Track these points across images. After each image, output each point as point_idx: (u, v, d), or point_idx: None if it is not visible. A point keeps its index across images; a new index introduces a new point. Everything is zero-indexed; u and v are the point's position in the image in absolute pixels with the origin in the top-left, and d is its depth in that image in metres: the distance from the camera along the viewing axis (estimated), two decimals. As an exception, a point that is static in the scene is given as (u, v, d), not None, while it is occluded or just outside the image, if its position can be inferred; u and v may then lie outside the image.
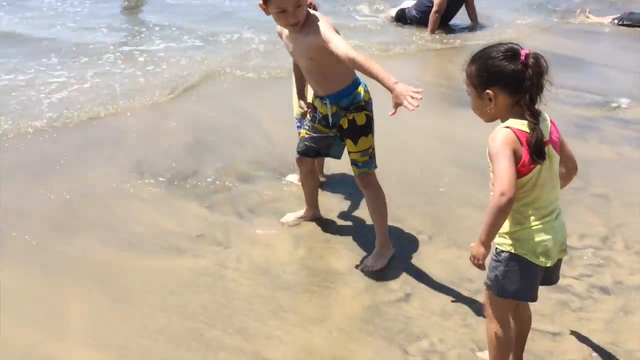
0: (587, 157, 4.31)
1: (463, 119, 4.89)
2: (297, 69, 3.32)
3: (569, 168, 2.22)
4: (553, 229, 2.07)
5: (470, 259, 2.07)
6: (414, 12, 7.92)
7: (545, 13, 8.74)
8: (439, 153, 4.44)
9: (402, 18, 8.05)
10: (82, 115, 5.01)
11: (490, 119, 2.10)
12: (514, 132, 1.98)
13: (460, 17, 8.06)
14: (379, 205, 3.11)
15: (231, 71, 6.06)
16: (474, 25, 7.95)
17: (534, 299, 2.17)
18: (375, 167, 3.09)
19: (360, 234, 3.38)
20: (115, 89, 5.59)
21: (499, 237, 2.08)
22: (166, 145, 4.51)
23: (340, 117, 3.05)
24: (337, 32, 2.86)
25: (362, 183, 3.11)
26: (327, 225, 3.48)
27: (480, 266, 2.06)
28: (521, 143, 1.96)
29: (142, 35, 7.41)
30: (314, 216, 3.50)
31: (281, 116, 4.46)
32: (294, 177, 3.95)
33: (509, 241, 2.07)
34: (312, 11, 2.92)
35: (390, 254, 3.13)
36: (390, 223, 3.21)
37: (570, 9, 8.76)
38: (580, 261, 3.17)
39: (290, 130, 4.00)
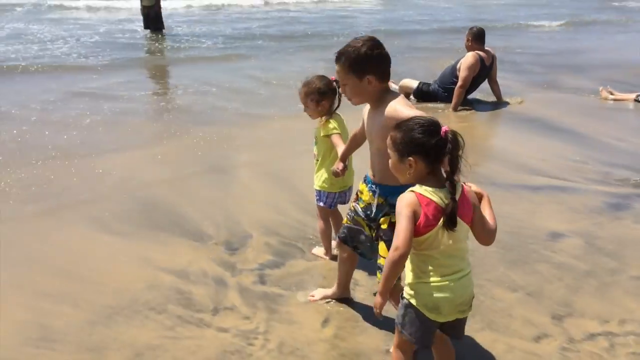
0: (622, 237, 4.21)
1: (497, 199, 4.84)
2: (353, 140, 3.25)
3: (484, 239, 2.41)
4: (450, 289, 2.26)
5: (374, 307, 2.33)
6: (437, 88, 8.00)
7: (567, 89, 8.82)
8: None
9: (425, 94, 8.06)
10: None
11: (407, 181, 2.33)
12: (416, 195, 2.23)
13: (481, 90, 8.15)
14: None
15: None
16: (499, 102, 8.01)
17: (425, 345, 2.42)
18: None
19: (391, 312, 3.24)
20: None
21: (405, 285, 2.36)
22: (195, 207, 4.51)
23: (381, 213, 2.88)
24: None
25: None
26: (355, 302, 3.36)
27: (378, 314, 2.32)
28: (420, 206, 2.21)
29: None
30: (343, 296, 3.38)
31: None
32: (319, 251, 3.87)
33: (408, 289, 2.31)
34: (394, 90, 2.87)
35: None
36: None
37: (593, 87, 8.83)
38: (623, 349, 3.01)
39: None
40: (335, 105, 3.62)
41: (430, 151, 2.22)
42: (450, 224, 2.21)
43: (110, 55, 11.26)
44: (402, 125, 2.31)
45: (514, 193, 4.92)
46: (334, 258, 3.77)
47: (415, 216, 2.21)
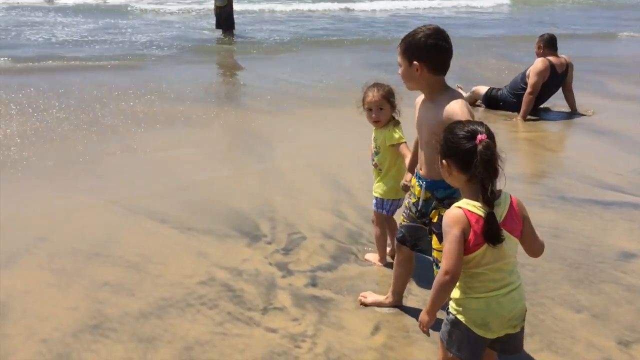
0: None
1: (566, 214, 4.63)
2: (416, 145, 3.15)
3: (534, 251, 2.30)
4: (498, 304, 2.18)
5: (419, 325, 2.28)
6: (506, 94, 7.76)
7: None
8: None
9: (493, 100, 7.88)
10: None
11: (452, 185, 2.32)
12: (464, 212, 2.14)
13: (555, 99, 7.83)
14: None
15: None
16: (573, 112, 7.67)
17: None
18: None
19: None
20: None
21: (450, 299, 2.28)
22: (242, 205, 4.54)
23: (430, 207, 2.88)
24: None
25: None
26: (407, 311, 3.27)
27: (425, 332, 2.27)
28: (470, 224, 2.12)
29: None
30: (395, 304, 3.30)
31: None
32: (373, 257, 3.81)
33: (455, 305, 2.25)
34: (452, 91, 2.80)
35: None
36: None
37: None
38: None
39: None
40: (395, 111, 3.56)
41: (462, 157, 2.16)
42: (491, 240, 2.12)
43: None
44: (447, 127, 2.29)
45: (584, 208, 4.67)
46: (387, 265, 3.70)
47: (464, 235, 2.13)
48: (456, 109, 2.67)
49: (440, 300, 2.19)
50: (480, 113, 7.86)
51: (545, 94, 7.50)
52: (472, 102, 8.10)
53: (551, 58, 7.34)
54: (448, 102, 2.72)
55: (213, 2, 14.34)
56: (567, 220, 4.42)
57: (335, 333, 3.08)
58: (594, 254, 3.94)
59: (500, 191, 2.20)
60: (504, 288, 2.20)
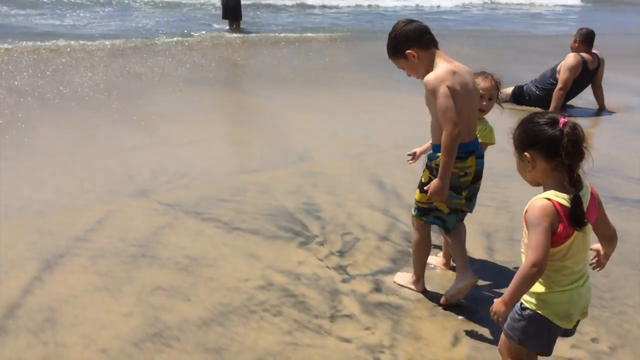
0: None
1: (624, 216, 4.48)
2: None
3: (609, 235, 2.28)
4: (579, 294, 2.17)
5: (491, 314, 2.18)
6: (533, 89, 7.61)
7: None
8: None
9: (519, 96, 7.75)
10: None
11: (532, 182, 2.21)
12: (554, 204, 2.06)
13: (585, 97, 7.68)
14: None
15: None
16: (601, 109, 7.53)
17: (549, 354, 2.30)
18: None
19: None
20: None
21: (528, 294, 2.19)
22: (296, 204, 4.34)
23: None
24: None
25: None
26: (480, 318, 3.10)
27: (500, 322, 2.19)
28: (559, 217, 2.05)
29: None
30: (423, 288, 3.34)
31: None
32: (437, 260, 3.63)
33: (534, 300, 2.17)
34: (441, 62, 2.95)
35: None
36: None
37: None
38: None
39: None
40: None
41: (548, 143, 2.07)
42: (577, 223, 2.08)
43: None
44: (521, 121, 2.21)
45: (641, 209, 4.53)
46: (452, 268, 3.53)
47: (552, 228, 2.06)
48: (429, 75, 2.89)
49: (523, 292, 2.13)
50: (506, 111, 7.69)
51: (574, 90, 7.35)
52: (503, 100, 7.93)
53: (584, 54, 7.18)
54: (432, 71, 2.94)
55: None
56: (626, 222, 4.27)
57: (414, 344, 2.90)
58: (663, 258, 3.79)
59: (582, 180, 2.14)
60: (581, 279, 2.19)
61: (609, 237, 2.29)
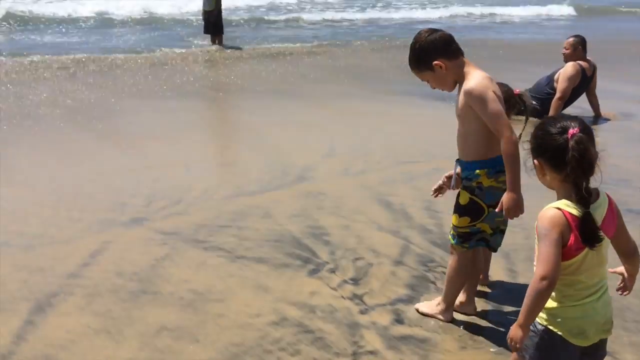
0: None
1: None
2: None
3: (629, 251, 2.14)
4: (594, 310, 2.05)
5: (508, 341, 2.03)
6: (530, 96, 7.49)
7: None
8: None
9: (513, 104, 7.63)
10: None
11: (547, 186, 2.09)
12: (564, 214, 1.95)
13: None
14: (451, 272, 3.05)
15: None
16: (597, 117, 7.44)
17: None
18: (459, 244, 2.96)
19: None
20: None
21: None
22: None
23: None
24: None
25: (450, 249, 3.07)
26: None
27: (517, 349, 2.04)
28: (570, 227, 1.94)
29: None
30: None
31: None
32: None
33: (545, 315, 2.05)
34: (473, 70, 2.81)
35: (438, 315, 3.10)
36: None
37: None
38: None
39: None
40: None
41: (554, 155, 1.97)
42: (589, 241, 1.95)
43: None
44: (538, 124, 2.10)
45: (658, 222, 4.37)
46: (479, 294, 3.32)
47: (562, 239, 1.95)
48: (470, 83, 2.72)
49: (537, 311, 1.99)
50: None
51: (571, 98, 7.24)
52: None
53: (581, 62, 7.08)
54: (466, 82, 2.76)
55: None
56: (646, 236, 4.11)
57: (446, 377, 2.69)
58: (692, 274, 3.62)
59: (598, 191, 2.01)
60: (597, 293, 2.06)
61: (629, 253, 2.15)
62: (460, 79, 2.79)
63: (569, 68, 7.05)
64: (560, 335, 2.04)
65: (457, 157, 3.02)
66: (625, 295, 2.25)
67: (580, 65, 7.06)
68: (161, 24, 16.72)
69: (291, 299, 3.34)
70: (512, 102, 3.24)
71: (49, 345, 2.91)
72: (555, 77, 7.17)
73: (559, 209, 1.97)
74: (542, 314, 2.05)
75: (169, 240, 4.04)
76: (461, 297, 3.11)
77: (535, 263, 2.06)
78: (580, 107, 7.62)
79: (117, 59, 11.27)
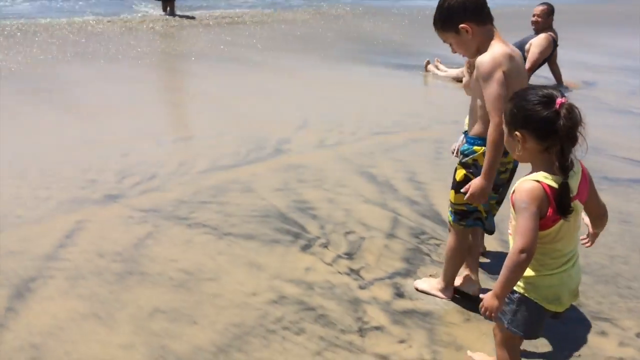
0: None
1: (620, 196, 4.41)
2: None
3: (600, 214, 2.22)
4: (569, 277, 2.11)
5: (481, 310, 2.07)
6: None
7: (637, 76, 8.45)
8: None
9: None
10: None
11: (519, 159, 2.12)
12: (543, 187, 1.97)
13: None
14: (449, 251, 2.98)
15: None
16: (559, 85, 7.56)
17: (536, 337, 2.32)
18: (456, 222, 2.88)
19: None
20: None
21: None
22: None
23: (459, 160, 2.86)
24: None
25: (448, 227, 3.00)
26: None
27: (491, 318, 2.08)
28: (549, 199, 1.96)
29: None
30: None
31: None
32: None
33: (522, 284, 2.10)
34: (497, 43, 2.61)
35: (439, 293, 3.04)
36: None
37: None
38: None
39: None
40: None
41: (539, 125, 1.96)
42: (562, 212, 1.97)
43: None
44: (515, 95, 2.08)
45: (635, 189, 4.48)
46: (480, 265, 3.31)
47: (540, 212, 1.97)
48: (484, 56, 2.55)
49: (514, 281, 2.02)
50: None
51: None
52: (460, 80, 7.84)
53: (551, 33, 7.12)
54: (482, 54, 2.59)
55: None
56: (626, 203, 4.21)
57: (456, 355, 2.65)
58: (675, 239, 3.74)
59: (572, 159, 2.01)
60: (570, 260, 2.11)
61: (599, 215, 2.23)
62: (482, 47, 2.62)
63: (543, 40, 7.06)
64: (536, 303, 2.11)
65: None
66: (587, 247, 2.36)
67: (552, 37, 7.11)
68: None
69: (287, 276, 3.23)
70: None
71: (35, 333, 2.72)
72: (527, 46, 7.18)
73: (537, 181, 1.98)
74: (519, 283, 2.10)
75: (148, 218, 3.85)
76: (463, 274, 3.08)
77: (510, 231, 2.11)
78: (543, 76, 7.74)
79: (62, 25, 10.68)
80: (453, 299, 3.06)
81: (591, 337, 2.79)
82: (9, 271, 3.21)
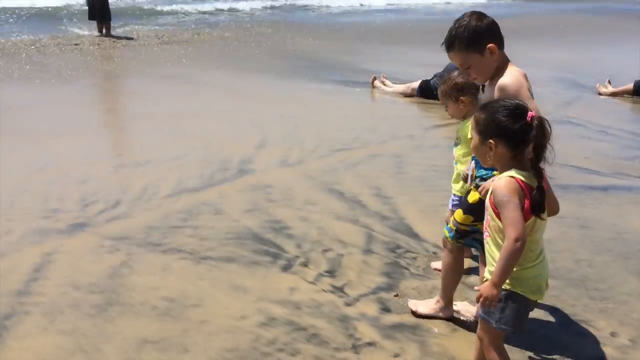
0: None
1: (575, 203, 4.64)
2: None
3: (554, 209, 2.44)
4: (544, 267, 2.29)
5: (479, 300, 2.20)
6: (439, 82, 7.80)
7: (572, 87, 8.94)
8: None
9: (426, 90, 7.94)
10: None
11: (488, 165, 2.34)
12: (518, 182, 2.16)
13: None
14: (445, 268, 3.02)
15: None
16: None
17: (524, 330, 2.42)
18: (455, 239, 2.92)
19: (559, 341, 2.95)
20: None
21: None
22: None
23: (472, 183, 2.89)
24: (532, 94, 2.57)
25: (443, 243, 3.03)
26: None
27: (489, 306, 2.21)
28: (524, 193, 2.15)
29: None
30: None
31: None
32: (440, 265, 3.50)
33: (508, 280, 2.21)
34: (510, 64, 2.64)
35: (439, 313, 3.03)
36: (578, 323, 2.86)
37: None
38: None
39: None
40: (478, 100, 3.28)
41: (513, 136, 2.18)
42: (540, 212, 2.17)
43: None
44: (486, 106, 2.29)
45: (587, 195, 4.75)
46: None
47: (520, 203, 2.15)
48: (506, 78, 2.56)
49: (511, 270, 2.16)
50: (416, 104, 7.87)
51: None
52: (409, 95, 8.08)
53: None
54: (500, 76, 2.59)
55: None
56: (581, 208, 4.46)
57: (454, 371, 2.74)
58: (631, 241, 3.98)
59: None
60: (543, 251, 2.30)
61: (553, 211, 2.43)
62: (498, 70, 2.62)
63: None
64: (523, 295, 2.26)
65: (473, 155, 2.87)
66: None
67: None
68: (43, 14, 15.34)
69: (272, 297, 3.23)
70: (472, 85, 3.33)
71: (20, 375, 2.60)
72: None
73: (512, 177, 2.17)
74: None
75: (120, 246, 3.75)
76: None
77: (488, 233, 2.28)
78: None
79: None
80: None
81: (571, 339, 2.94)
82: (-21, 310, 3.05)
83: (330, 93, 8.34)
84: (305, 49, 11.72)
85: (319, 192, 4.69)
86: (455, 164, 3.33)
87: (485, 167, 2.55)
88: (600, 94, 8.52)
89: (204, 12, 17.09)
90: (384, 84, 8.51)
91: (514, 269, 2.19)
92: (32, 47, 11.02)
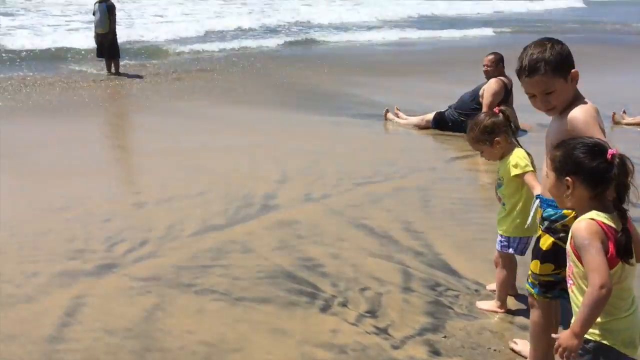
0: None
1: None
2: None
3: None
4: (637, 318, 2.10)
5: (558, 352, 2.02)
6: (456, 114, 7.78)
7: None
8: None
9: (441, 122, 7.91)
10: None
11: (565, 205, 2.19)
12: (599, 224, 2.01)
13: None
14: (535, 327, 2.73)
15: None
16: (517, 129, 7.85)
17: None
18: (541, 295, 2.66)
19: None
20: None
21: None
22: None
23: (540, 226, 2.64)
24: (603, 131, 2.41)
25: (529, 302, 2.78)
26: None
27: (569, 358, 2.01)
28: (607, 236, 2.00)
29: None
30: None
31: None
32: (490, 305, 3.40)
33: (597, 331, 2.06)
34: (581, 96, 2.51)
35: None
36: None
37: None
38: None
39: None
40: (512, 135, 3.22)
41: (592, 174, 2.06)
42: (627, 256, 2.03)
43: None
44: (564, 143, 2.17)
45: None
46: (510, 312, 3.32)
47: (604, 247, 2.00)
48: (578, 111, 2.43)
49: (594, 320, 2.01)
50: (431, 136, 7.82)
51: (494, 112, 7.61)
52: (423, 127, 8.05)
53: (502, 77, 7.47)
54: (570, 111, 2.46)
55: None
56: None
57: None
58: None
59: None
60: (635, 301, 2.13)
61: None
62: (571, 102, 2.49)
63: (493, 84, 7.40)
64: (614, 348, 2.06)
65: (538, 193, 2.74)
66: None
67: (503, 81, 7.45)
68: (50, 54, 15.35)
69: (314, 341, 3.12)
70: (501, 124, 3.26)
71: None
72: (480, 92, 7.50)
73: (592, 219, 2.03)
74: (593, 330, 2.05)
75: (151, 288, 3.64)
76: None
77: (572, 281, 2.11)
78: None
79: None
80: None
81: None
82: (14, 358, 2.93)
83: (345, 125, 8.30)
84: (312, 82, 11.76)
85: (348, 228, 4.60)
86: (503, 204, 3.26)
87: (560, 207, 2.35)
88: (616, 123, 8.48)
89: (212, 50, 17.19)
90: (398, 116, 8.48)
91: (606, 319, 2.06)
92: (39, 85, 11.03)
